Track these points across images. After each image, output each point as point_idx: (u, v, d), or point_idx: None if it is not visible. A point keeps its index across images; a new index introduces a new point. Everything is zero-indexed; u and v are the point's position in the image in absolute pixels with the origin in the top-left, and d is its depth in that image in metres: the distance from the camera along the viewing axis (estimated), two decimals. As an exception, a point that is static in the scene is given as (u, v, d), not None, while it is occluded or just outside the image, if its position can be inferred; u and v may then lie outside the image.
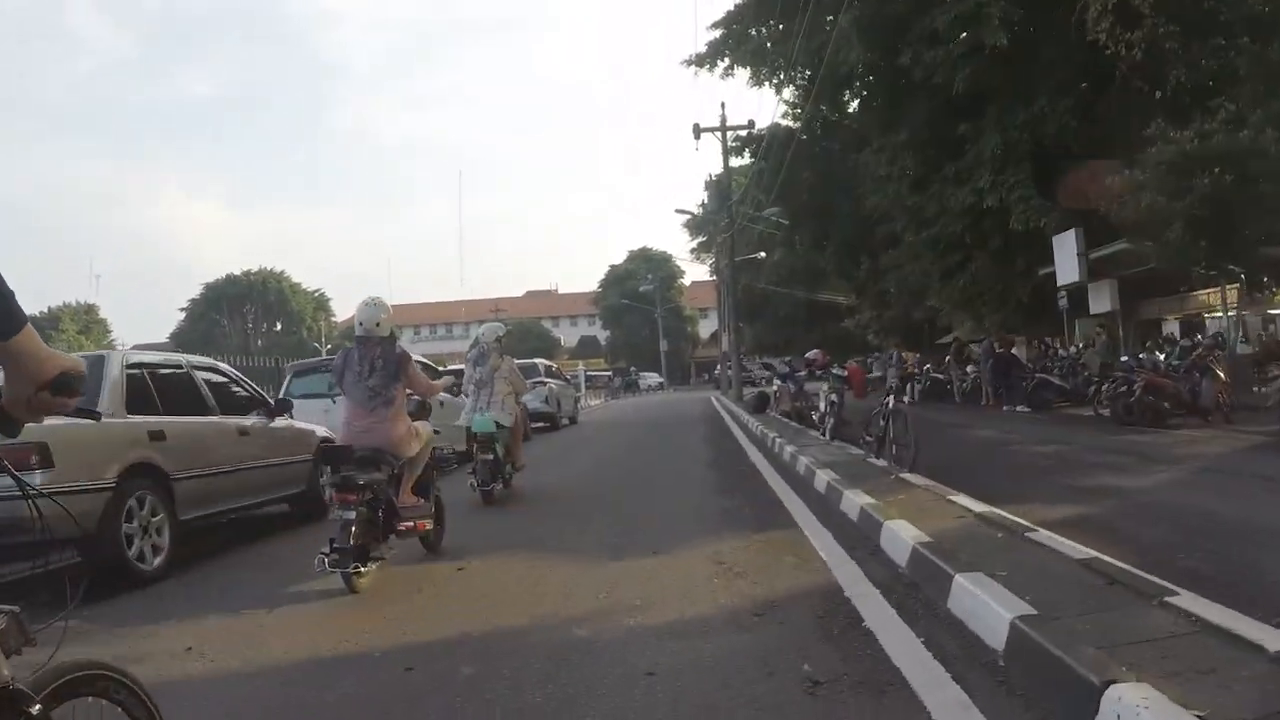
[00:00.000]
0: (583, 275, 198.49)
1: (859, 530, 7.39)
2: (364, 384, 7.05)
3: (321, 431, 11.65)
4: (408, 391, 7.45)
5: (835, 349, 65.57)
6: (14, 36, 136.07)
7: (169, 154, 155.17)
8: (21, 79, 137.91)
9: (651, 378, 78.59)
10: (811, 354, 16.77)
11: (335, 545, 6.34)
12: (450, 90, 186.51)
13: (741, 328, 35.13)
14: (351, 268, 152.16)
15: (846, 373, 15.71)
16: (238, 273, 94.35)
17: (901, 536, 6.31)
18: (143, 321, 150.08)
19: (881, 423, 11.12)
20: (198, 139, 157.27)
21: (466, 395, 11.60)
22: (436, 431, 8.29)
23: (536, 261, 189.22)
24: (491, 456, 10.88)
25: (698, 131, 34.55)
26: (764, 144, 35.55)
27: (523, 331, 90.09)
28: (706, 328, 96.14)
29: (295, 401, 14.89)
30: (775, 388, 24.46)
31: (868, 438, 11.92)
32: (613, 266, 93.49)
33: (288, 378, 15.77)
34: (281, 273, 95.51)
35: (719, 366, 54.71)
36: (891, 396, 10.69)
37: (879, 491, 8.38)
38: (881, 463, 10.77)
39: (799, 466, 11.69)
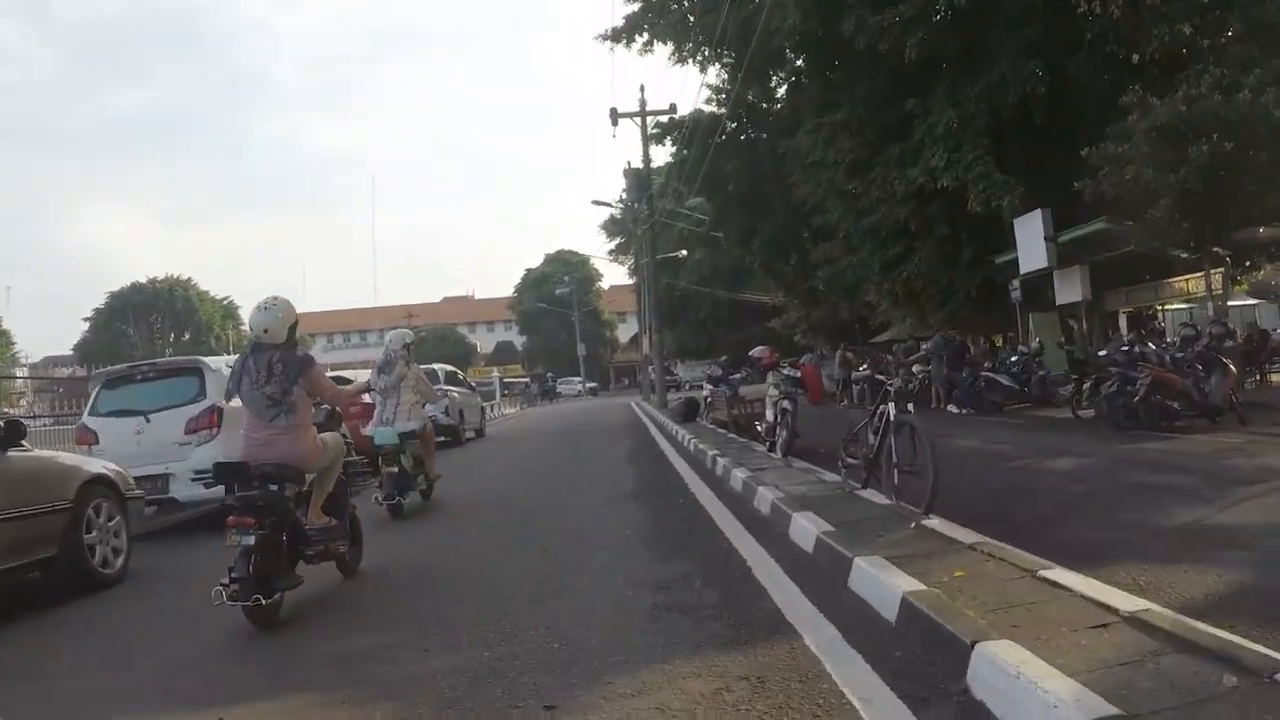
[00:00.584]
0: (503, 280, 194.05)
1: (909, 643, 4.18)
2: (260, 391, 6.18)
3: (95, 467, 8.22)
4: (315, 400, 6.64)
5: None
6: None
7: (94, 169, 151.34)
8: None
9: (574, 383, 75.14)
10: (757, 351, 13.62)
11: (234, 575, 5.50)
12: (369, 104, 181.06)
13: (662, 331, 31.90)
14: (276, 277, 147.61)
15: (800, 374, 12.59)
16: (143, 280, 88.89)
17: (1032, 688, 3.12)
18: (57, 334, 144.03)
19: (872, 439, 7.95)
20: (135, 153, 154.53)
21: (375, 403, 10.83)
22: (348, 442, 7.33)
23: (456, 268, 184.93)
24: (396, 469, 10.21)
25: (615, 117, 31.24)
26: (686, 131, 32.48)
27: (438, 338, 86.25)
28: (625, 332, 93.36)
29: (100, 420, 11.58)
30: (707, 392, 21.34)
31: (849, 459, 8.74)
32: (529, 270, 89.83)
33: (94, 390, 12.09)
34: (189, 280, 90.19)
35: (639, 371, 51.47)
36: (892, 404, 7.49)
37: (911, 559, 5.21)
38: (881, 499, 7.58)
39: (759, 502, 8.47)
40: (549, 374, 71.70)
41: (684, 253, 50.88)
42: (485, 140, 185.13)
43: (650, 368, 46.30)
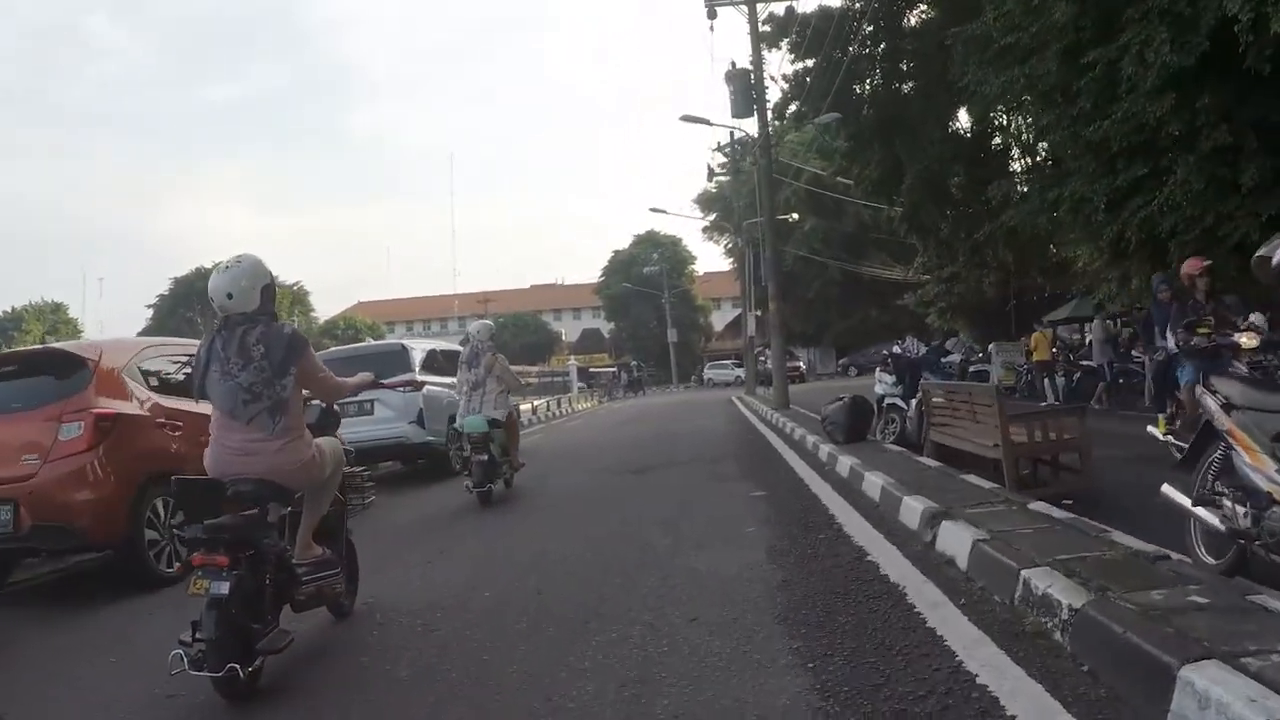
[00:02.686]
0: (592, 267, 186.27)
1: None
2: (234, 381, 4.55)
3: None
4: (305, 394, 4.95)
5: (878, 337, 53.61)
6: (32, 40, 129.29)
7: (188, 158, 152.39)
8: (37, 84, 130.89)
9: (725, 365, 62.67)
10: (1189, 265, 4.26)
11: (200, 635, 3.98)
12: (459, 95, 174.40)
13: (780, 297, 22.24)
14: (360, 265, 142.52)
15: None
16: (209, 264, 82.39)
17: None
18: (127, 323, 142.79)
19: None
20: (215, 144, 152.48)
21: (459, 395, 10.77)
22: (349, 451, 6.02)
23: (547, 256, 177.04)
24: (486, 457, 9.98)
25: (713, 5, 21.90)
26: (808, 31, 23.14)
27: (518, 325, 77.99)
28: (720, 319, 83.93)
29: None
30: (884, 390, 12.02)
31: None
32: (616, 252, 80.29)
33: None
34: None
35: (739, 358, 42.03)
36: None
37: None
38: None
39: None
40: (635, 363, 62.16)
41: (794, 216, 41.58)
42: (573, 125, 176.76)
43: (758, 352, 36.97)
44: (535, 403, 30.31)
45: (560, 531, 7.97)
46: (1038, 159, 21.41)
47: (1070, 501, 6.44)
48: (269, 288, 4.73)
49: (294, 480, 4.66)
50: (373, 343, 18.91)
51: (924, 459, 8.97)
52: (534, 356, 68.98)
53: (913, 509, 6.23)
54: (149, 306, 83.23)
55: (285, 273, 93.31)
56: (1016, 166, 24.88)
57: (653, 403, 40.42)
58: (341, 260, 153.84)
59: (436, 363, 14.30)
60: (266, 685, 4.18)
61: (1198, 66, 14.06)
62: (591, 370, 66.26)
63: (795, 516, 7.34)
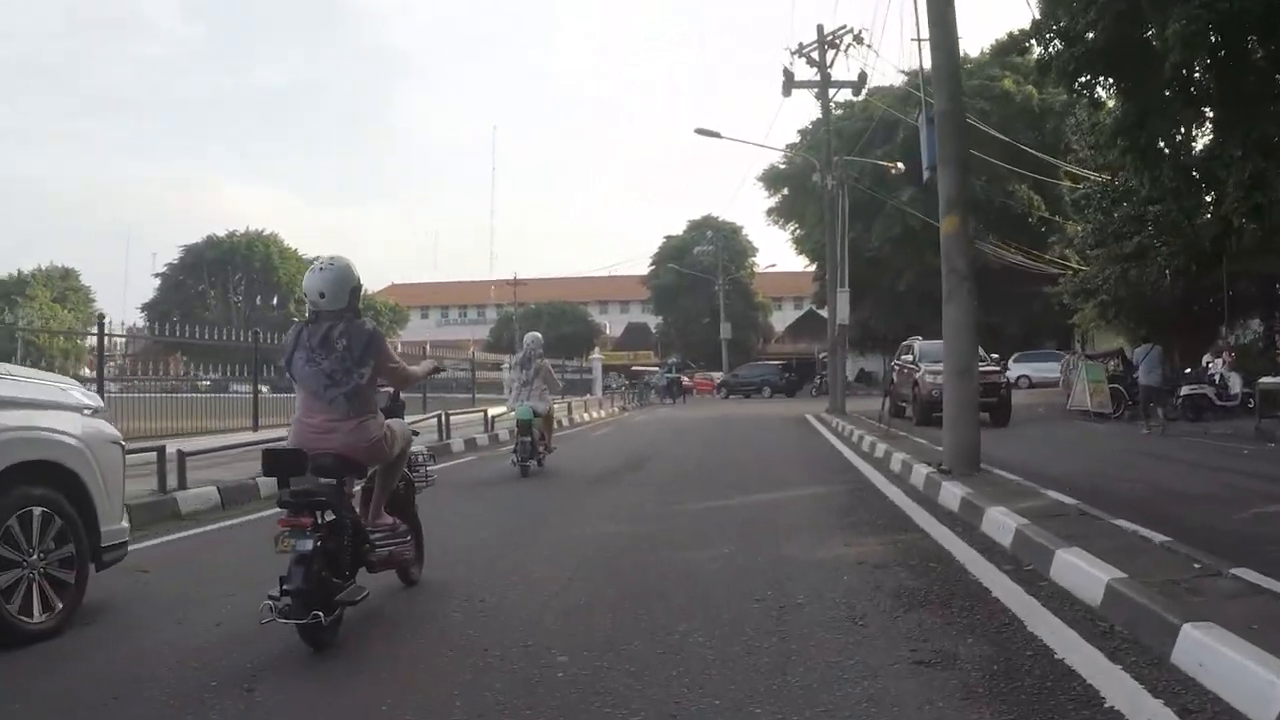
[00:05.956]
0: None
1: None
2: (318, 367, 4.80)
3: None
4: (380, 382, 5.13)
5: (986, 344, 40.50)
6: (83, 19, 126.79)
7: (233, 141, 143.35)
8: (84, 62, 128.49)
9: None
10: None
11: (287, 587, 4.19)
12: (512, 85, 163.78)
13: (965, 180, 10.66)
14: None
15: None
16: (220, 234, 73.08)
17: None
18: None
19: None
20: (259, 127, 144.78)
21: (509, 392, 13.78)
22: (416, 433, 5.87)
23: (602, 247, 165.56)
24: (529, 439, 11.97)
25: None
26: None
27: (554, 314, 66.88)
28: (780, 321, 71.80)
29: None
30: None
31: None
32: (669, 237, 68.44)
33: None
34: (272, 235, 74.30)
35: (820, 365, 30.18)
36: None
37: None
38: None
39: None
40: (672, 362, 50.21)
41: (900, 167, 29.66)
42: (644, 115, 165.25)
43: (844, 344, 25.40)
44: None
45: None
46: None
47: None
48: (356, 289, 4.93)
49: (366, 456, 4.88)
50: None
51: None
52: (571, 350, 58.19)
53: None
54: (155, 275, 73.81)
55: (314, 250, 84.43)
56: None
57: (686, 419, 28.51)
58: (389, 241, 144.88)
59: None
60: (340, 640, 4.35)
61: None
62: (635, 369, 54.89)
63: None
